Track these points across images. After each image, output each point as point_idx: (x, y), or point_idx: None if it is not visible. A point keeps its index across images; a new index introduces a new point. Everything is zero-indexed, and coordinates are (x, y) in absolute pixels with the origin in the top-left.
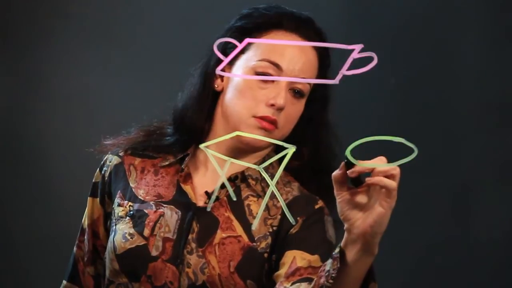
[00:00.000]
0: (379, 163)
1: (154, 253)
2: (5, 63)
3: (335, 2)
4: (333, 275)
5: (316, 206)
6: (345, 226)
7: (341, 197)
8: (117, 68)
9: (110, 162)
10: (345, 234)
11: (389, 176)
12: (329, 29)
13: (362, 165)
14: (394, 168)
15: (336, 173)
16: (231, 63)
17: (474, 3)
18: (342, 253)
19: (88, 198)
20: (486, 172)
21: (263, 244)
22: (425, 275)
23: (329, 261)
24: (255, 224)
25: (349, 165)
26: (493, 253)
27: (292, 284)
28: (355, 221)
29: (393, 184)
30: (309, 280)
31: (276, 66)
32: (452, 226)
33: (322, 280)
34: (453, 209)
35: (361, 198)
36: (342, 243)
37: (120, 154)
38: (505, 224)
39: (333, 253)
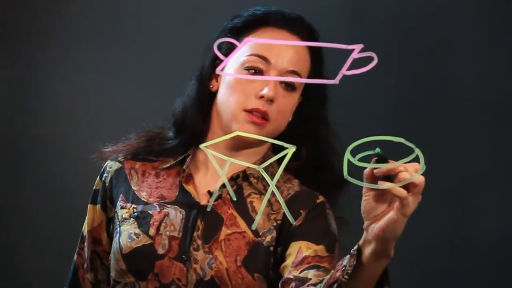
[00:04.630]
0: (410, 168)
1: (160, 251)
2: (5, 64)
3: (335, 2)
4: (349, 271)
5: (318, 201)
6: (364, 225)
7: (366, 195)
8: (117, 69)
9: (110, 168)
10: (364, 233)
11: (410, 184)
12: (329, 29)
13: (389, 165)
14: (417, 177)
15: (366, 170)
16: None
17: (474, 3)
18: (359, 251)
19: (88, 205)
20: (486, 172)
21: (268, 238)
22: (425, 275)
23: (347, 257)
24: (255, 224)
25: (380, 161)
26: (493, 253)
27: (301, 271)
28: (372, 222)
29: (402, 193)
30: (317, 268)
31: (264, 59)
32: (452, 226)
33: (338, 274)
34: (453, 209)
35: (382, 201)
36: (360, 241)
37: (120, 159)
38: (505, 224)
39: (352, 250)
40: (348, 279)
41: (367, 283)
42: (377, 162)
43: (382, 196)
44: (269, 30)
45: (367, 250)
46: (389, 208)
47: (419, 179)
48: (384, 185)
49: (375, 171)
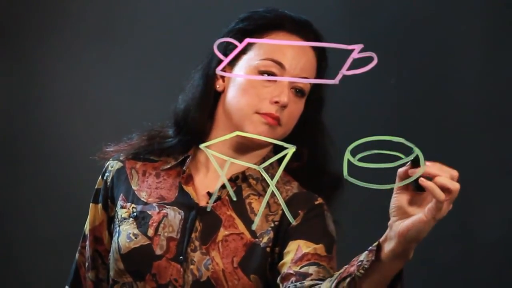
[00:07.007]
0: (444, 172)
1: (158, 252)
2: (5, 63)
3: (335, 3)
4: (366, 266)
5: (316, 202)
6: (390, 221)
7: (397, 193)
8: (117, 68)
9: (111, 167)
10: (387, 230)
11: (445, 190)
12: (329, 29)
13: (425, 169)
14: (453, 184)
15: (400, 169)
16: (232, 64)
17: (474, 3)
18: (378, 247)
19: (90, 204)
20: (486, 172)
21: (265, 239)
22: (425, 274)
23: (365, 252)
24: (255, 224)
25: (415, 163)
26: (493, 253)
27: (301, 267)
28: (399, 219)
29: (441, 196)
30: (317, 265)
31: (279, 64)
32: (452, 226)
33: (353, 268)
34: (453, 209)
35: (413, 200)
36: (381, 238)
37: (122, 158)
38: (505, 224)
39: (370, 246)
40: (363, 274)
41: (380, 283)
42: (412, 162)
43: (415, 197)
44: (282, 35)
45: (387, 247)
46: (420, 209)
47: (455, 186)
48: (402, 182)
49: (410, 171)
